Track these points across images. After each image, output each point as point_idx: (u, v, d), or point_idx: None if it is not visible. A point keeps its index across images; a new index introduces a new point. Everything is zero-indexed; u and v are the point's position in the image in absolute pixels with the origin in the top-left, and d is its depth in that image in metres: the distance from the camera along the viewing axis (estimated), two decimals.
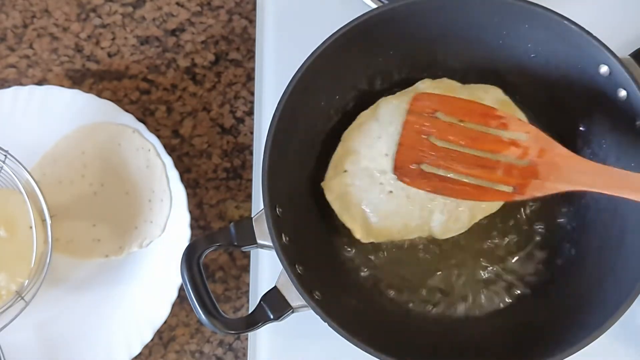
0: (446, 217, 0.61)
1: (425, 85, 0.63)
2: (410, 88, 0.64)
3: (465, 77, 0.66)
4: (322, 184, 0.64)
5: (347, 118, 0.66)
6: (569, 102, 0.64)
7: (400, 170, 0.58)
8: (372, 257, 0.65)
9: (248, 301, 0.70)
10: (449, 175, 0.57)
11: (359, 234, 0.62)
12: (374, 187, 0.61)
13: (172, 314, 0.68)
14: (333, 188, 0.63)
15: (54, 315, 0.69)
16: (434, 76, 0.66)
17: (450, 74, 0.66)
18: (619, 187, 0.54)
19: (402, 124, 0.58)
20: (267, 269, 0.68)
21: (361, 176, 0.62)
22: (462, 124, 0.57)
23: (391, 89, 0.67)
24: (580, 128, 0.64)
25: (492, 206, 0.62)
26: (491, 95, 0.63)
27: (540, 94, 0.65)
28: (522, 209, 0.65)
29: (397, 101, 0.62)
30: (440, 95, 0.59)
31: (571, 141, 0.65)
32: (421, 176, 0.57)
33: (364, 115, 0.64)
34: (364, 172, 0.62)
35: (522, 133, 0.56)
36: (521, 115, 0.63)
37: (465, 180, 0.57)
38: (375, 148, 0.62)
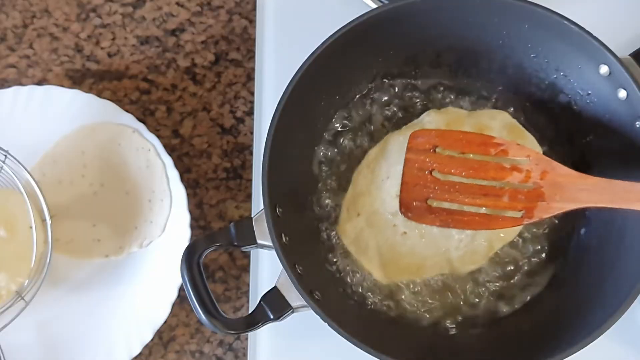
0: (463, 252, 0.62)
1: (430, 118, 0.63)
2: (416, 121, 0.64)
3: (465, 76, 0.67)
4: (337, 228, 0.64)
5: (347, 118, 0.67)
6: (569, 102, 0.64)
7: (407, 207, 0.57)
8: None
9: (248, 301, 0.70)
10: (456, 208, 0.57)
11: (377, 275, 0.63)
12: (388, 229, 0.62)
13: (172, 314, 0.68)
14: (348, 232, 0.63)
15: (54, 315, 0.69)
16: (435, 76, 0.67)
17: (451, 73, 0.67)
18: (625, 200, 0.54)
19: (404, 162, 0.58)
20: (267, 269, 0.68)
21: (374, 219, 0.62)
22: (462, 156, 0.57)
23: (391, 90, 0.67)
24: (580, 128, 0.64)
25: (510, 233, 0.62)
26: (498, 121, 0.63)
27: (540, 94, 0.65)
28: None
29: (403, 137, 0.62)
30: (437, 130, 0.59)
31: (571, 143, 0.65)
32: (428, 212, 0.57)
33: (372, 153, 0.65)
34: (376, 214, 0.62)
35: (522, 157, 0.56)
36: (529, 137, 0.63)
37: (473, 210, 0.57)
38: (384, 189, 0.62)
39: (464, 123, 0.63)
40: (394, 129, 0.66)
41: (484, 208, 0.57)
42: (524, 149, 0.57)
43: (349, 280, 0.64)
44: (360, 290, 0.64)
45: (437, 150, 0.57)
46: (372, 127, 0.67)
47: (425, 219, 0.57)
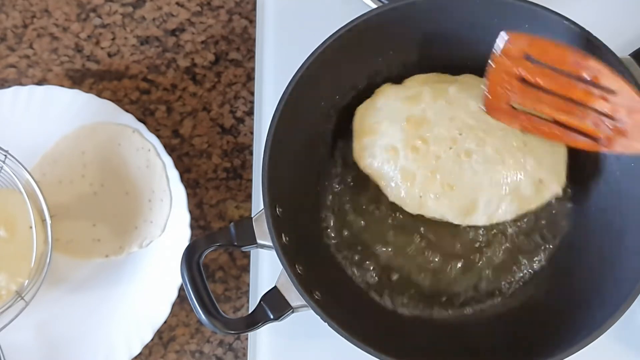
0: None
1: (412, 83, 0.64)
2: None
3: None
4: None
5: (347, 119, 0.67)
6: None
7: (490, 106, 0.58)
8: (372, 257, 0.65)
9: (248, 301, 0.70)
10: (537, 116, 0.57)
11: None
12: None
13: (172, 314, 0.68)
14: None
15: (54, 315, 0.69)
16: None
17: (451, 73, 0.67)
18: None
19: (492, 62, 0.57)
20: (267, 269, 0.68)
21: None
22: (551, 70, 0.56)
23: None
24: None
25: (536, 201, 0.61)
26: None
27: None
28: None
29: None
30: (532, 37, 0.56)
31: None
32: (510, 114, 0.58)
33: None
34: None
35: (614, 87, 0.54)
36: None
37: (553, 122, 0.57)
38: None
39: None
40: None
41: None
42: (617, 80, 0.54)
43: (349, 279, 0.64)
44: (361, 290, 0.64)
45: (528, 58, 0.56)
46: None
47: (506, 120, 0.58)
